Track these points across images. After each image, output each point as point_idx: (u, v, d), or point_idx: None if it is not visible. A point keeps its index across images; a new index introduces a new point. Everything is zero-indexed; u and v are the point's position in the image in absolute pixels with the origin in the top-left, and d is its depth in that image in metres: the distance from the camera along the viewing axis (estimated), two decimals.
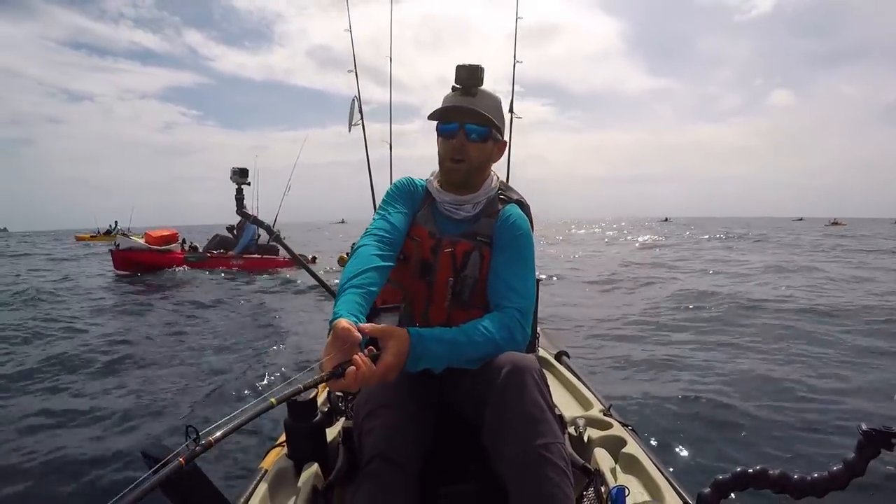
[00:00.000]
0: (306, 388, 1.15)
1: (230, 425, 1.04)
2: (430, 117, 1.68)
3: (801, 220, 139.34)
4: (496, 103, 1.69)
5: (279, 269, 15.17)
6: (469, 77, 1.64)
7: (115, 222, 41.57)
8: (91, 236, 41.20)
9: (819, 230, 49.68)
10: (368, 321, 1.34)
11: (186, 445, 0.99)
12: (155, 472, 0.96)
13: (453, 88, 1.67)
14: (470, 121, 1.62)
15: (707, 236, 34.83)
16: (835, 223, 75.89)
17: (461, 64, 1.64)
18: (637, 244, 28.82)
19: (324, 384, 2.17)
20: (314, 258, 17.57)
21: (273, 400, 1.08)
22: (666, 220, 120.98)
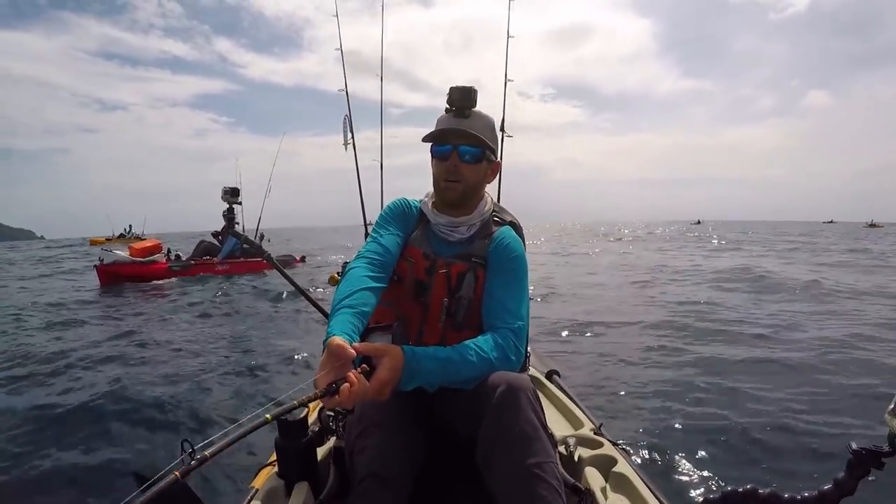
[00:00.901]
0: (301, 405, 1.15)
1: (225, 440, 1.04)
2: (425, 140, 1.69)
3: (831, 222, 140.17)
4: (489, 124, 1.71)
5: (264, 272, 15.21)
6: (462, 99, 1.66)
7: (130, 226, 41.70)
8: (106, 239, 41.25)
9: (863, 234, 50.00)
10: (362, 340, 1.34)
11: (181, 460, 0.99)
12: (149, 486, 0.95)
13: (446, 110, 1.69)
14: (463, 142, 1.64)
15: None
16: (872, 225, 76.84)
17: (454, 86, 1.67)
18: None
19: (315, 403, 2.16)
20: (303, 258, 18.14)
21: (268, 416, 1.09)
22: (698, 222, 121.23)
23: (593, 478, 1.65)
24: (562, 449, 1.85)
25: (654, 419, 4.20)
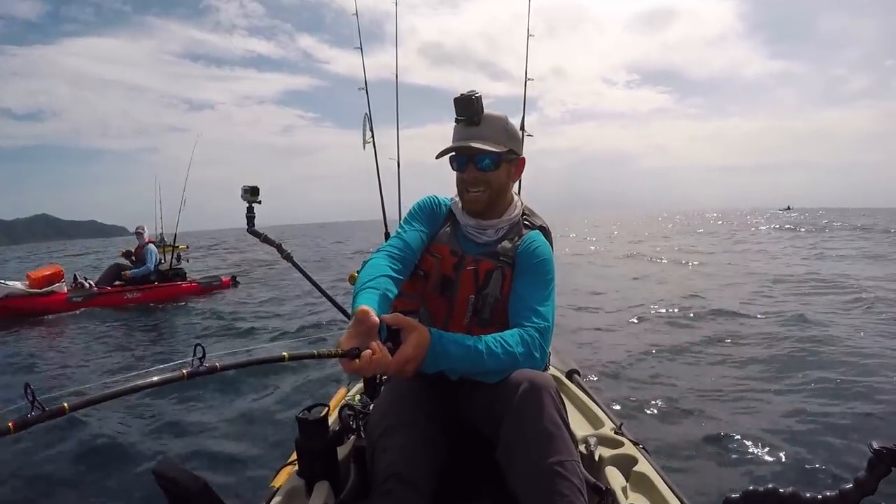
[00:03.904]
0: (320, 356, 1.17)
1: (237, 360, 1.07)
2: (438, 157, 1.71)
3: None
4: (502, 124, 1.70)
5: (184, 298, 12.83)
6: (467, 109, 1.66)
7: (160, 233, 37.49)
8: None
9: None
10: (388, 330, 1.35)
11: (191, 362, 1.00)
12: (157, 375, 0.97)
13: (456, 120, 1.69)
14: (477, 152, 1.64)
15: None
16: None
17: (458, 96, 1.66)
18: None
19: (336, 401, 2.18)
20: (234, 278, 14.99)
21: (286, 353, 1.11)
22: (788, 208, 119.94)
23: (614, 477, 1.65)
24: (582, 448, 1.84)
25: (675, 419, 4.18)
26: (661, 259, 17.73)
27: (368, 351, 1.21)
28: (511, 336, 1.48)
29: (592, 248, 24.35)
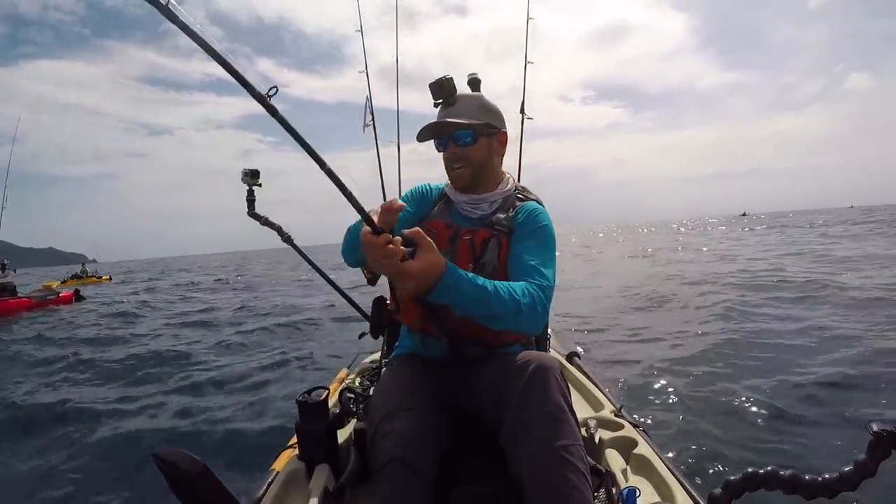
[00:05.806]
0: (352, 202, 1.20)
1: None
2: (419, 139, 1.73)
3: (851, 207, 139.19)
4: (477, 101, 1.75)
5: (13, 316, 11.04)
6: (440, 90, 1.73)
7: (82, 264, 31.62)
8: (61, 282, 28.29)
9: None
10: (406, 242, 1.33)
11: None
12: None
13: (435, 105, 1.76)
14: (453, 129, 1.69)
15: None
16: None
17: (431, 81, 1.73)
18: None
19: (334, 387, 2.18)
20: (77, 293, 13.50)
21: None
22: (744, 214, 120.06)
23: (614, 460, 1.65)
24: (583, 431, 1.85)
25: (675, 401, 4.18)
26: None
27: (387, 236, 1.21)
28: (518, 286, 1.47)
29: None
